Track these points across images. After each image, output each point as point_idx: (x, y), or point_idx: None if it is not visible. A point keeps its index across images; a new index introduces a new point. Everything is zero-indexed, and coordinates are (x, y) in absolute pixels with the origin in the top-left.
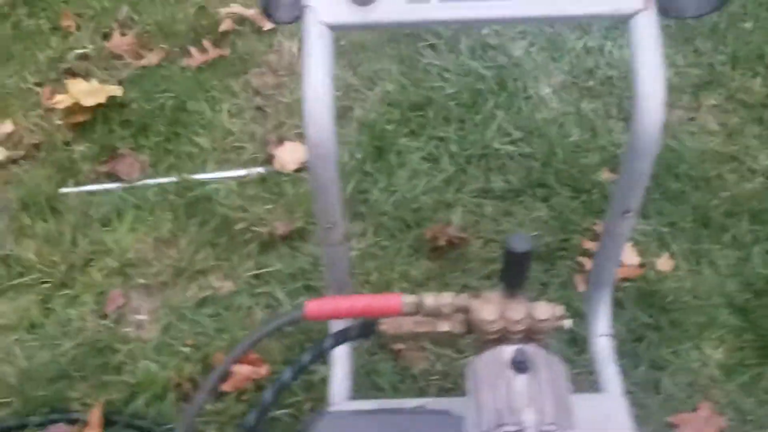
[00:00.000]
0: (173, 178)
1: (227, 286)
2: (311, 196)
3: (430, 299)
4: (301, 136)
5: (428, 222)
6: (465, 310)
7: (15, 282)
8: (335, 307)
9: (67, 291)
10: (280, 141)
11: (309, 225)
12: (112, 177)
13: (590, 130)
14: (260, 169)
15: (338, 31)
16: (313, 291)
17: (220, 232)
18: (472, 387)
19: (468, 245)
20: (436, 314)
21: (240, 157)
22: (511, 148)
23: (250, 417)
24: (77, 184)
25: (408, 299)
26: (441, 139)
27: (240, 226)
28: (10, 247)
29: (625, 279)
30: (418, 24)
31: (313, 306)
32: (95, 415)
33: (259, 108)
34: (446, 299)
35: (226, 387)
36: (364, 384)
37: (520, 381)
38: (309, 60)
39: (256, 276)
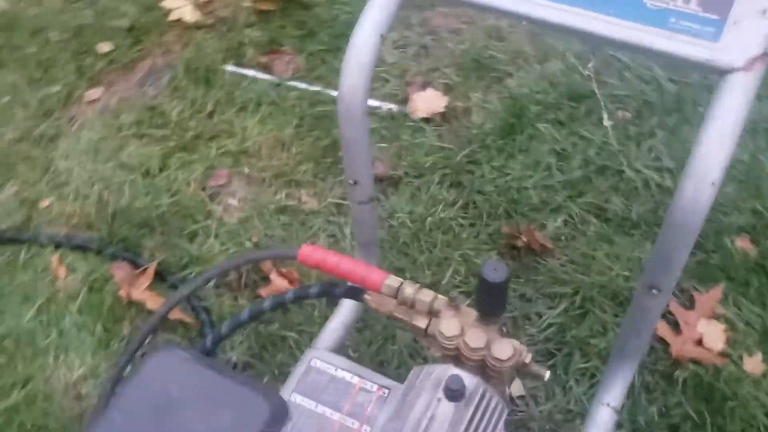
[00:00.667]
0: (316, 88)
1: (311, 203)
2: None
3: (409, 290)
4: (446, 87)
5: (521, 218)
6: (436, 315)
7: (151, 131)
8: (323, 259)
9: (185, 155)
10: (424, 86)
11: (406, 178)
12: (267, 69)
13: (754, 188)
14: (392, 106)
15: None
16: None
17: (327, 152)
18: (405, 389)
19: (548, 257)
20: (410, 306)
21: (380, 89)
22: (653, 175)
23: (207, 340)
24: (237, 65)
25: (390, 281)
26: (582, 138)
27: None
28: (161, 100)
29: (696, 360)
30: (496, 9)
31: (306, 250)
32: (152, 268)
33: (424, 47)
34: (425, 297)
35: (263, 292)
36: (378, 348)
37: (445, 407)
38: (366, 11)
39: (338, 205)
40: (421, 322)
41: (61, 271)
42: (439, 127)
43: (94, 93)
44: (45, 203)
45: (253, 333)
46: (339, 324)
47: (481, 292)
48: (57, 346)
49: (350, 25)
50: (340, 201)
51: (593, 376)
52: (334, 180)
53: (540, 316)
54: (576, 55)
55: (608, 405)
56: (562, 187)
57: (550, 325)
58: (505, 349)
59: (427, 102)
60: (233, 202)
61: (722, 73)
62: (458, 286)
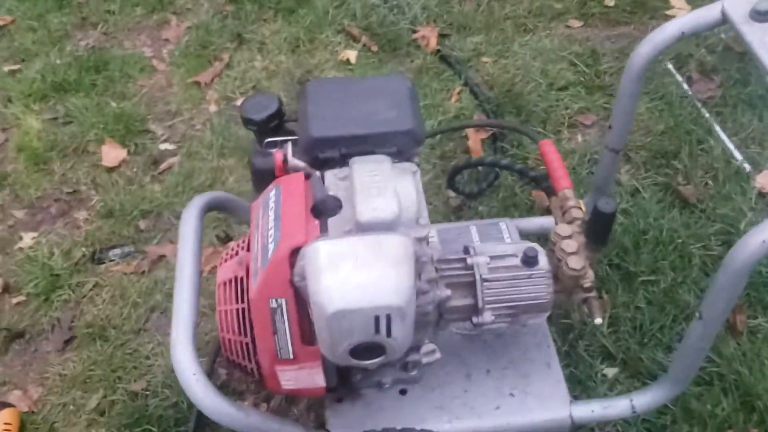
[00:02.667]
0: None
1: None
2: None
3: (571, 202)
4: None
5: None
6: (570, 222)
7: None
8: (551, 155)
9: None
10: None
11: None
12: None
13: None
14: None
15: None
16: None
17: None
18: None
19: None
20: (563, 212)
21: None
22: None
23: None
24: None
25: (567, 192)
26: None
27: None
28: None
29: None
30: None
31: (546, 143)
32: None
33: None
34: (575, 214)
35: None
36: None
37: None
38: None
39: None
40: (557, 226)
41: None
42: None
43: None
44: None
45: None
46: None
47: (593, 220)
48: None
49: None
50: None
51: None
52: None
53: None
54: None
55: (631, 401)
56: None
57: None
58: (578, 263)
59: None
60: None
61: None
62: None
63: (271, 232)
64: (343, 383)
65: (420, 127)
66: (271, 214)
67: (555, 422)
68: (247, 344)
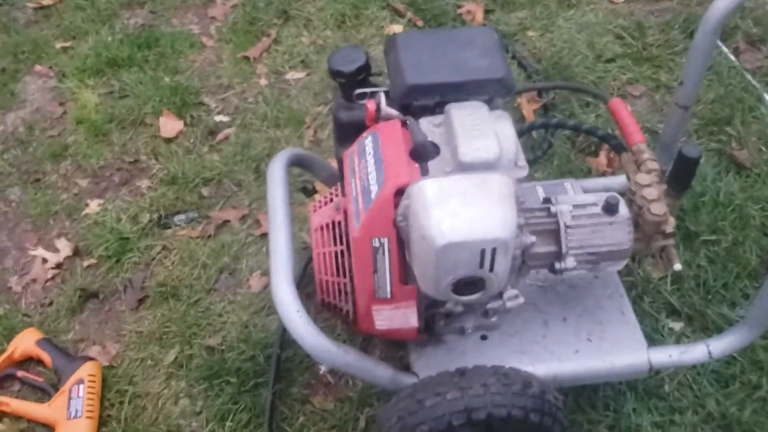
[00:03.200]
0: None
1: None
2: None
3: (646, 155)
4: None
5: None
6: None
7: None
8: (621, 112)
9: None
10: None
11: None
12: None
13: None
14: None
15: None
16: None
17: None
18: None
19: None
20: (639, 165)
21: None
22: None
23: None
24: None
25: (640, 147)
26: None
27: None
28: None
29: None
30: None
31: (615, 102)
32: None
33: None
34: (651, 165)
35: None
36: None
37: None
38: None
39: None
40: (635, 175)
41: None
42: None
43: None
44: None
45: None
46: None
47: (677, 165)
48: None
49: None
50: None
51: None
52: None
53: None
54: None
55: (707, 346)
56: None
57: None
58: (661, 209)
59: None
60: None
61: None
62: None
63: (372, 175)
64: (428, 330)
65: (511, 75)
66: (370, 158)
67: (634, 367)
68: (345, 285)
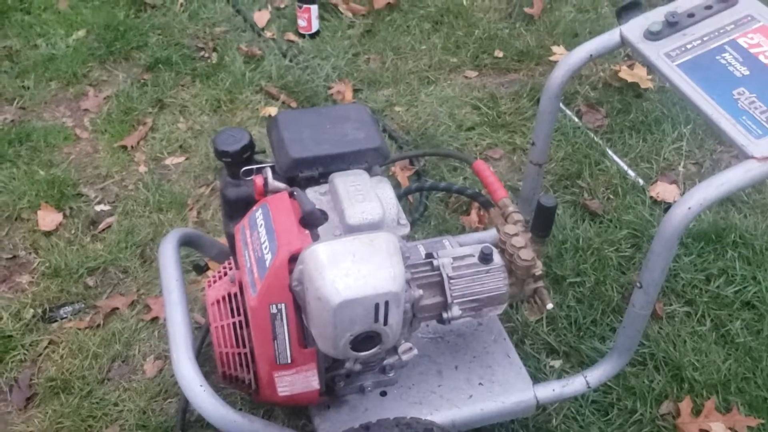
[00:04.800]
0: None
1: None
2: None
3: (511, 208)
4: None
5: None
6: (513, 223)
7: None
8: (485, 173)
9: None
10: None
11: None
12: None
13: None
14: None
15: None
16: None
17: None
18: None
19: None
20: (506, 218)
21: None
22: None
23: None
24: None
25: (506, 201)
26: None
27: None
28: None
29: None
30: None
31: (480, 164)
32: None
33: None
34: (516, 217)
35: None
36: None
37: (483, 268)
38: (586, 44)
39: None
40: (503, 227)
41: None
42: None
43: None
44: None
45: None
46: None
47: (537, 214)
48: None
49: None
50: None
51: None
52: None
53: None
54: None
55: (585, 377)
56: None
57: None
58: (529, 254)
59: None
60: None
61: (744, 156)
62: None
63: (266, 244)
64: (328, 393)
65: (385, 144)
66: (262, 230)
67: (523, 404)
68: (245, 355)
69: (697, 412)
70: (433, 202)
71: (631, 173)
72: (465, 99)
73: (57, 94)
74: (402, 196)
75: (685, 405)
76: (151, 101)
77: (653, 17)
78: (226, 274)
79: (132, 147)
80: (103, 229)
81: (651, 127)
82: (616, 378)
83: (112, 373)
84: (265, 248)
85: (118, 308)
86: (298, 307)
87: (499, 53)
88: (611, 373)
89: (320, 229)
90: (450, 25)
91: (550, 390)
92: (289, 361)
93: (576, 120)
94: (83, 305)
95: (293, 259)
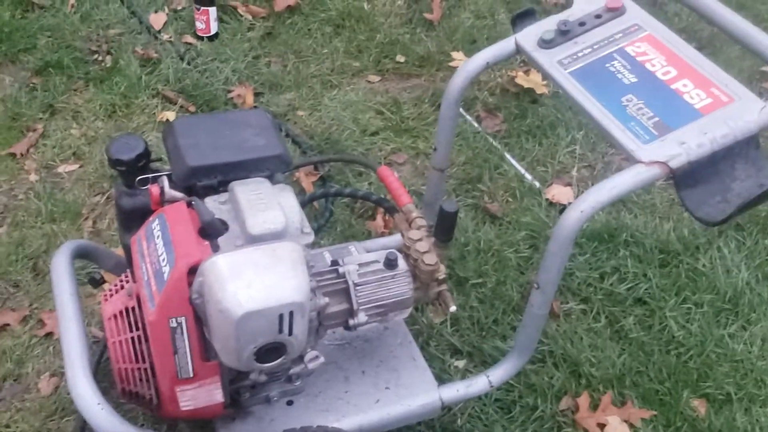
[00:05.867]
0: None
1: None
2: None
3: (415, 213)
4: None
5: None
6: (417, 229)
7: None
8: (390, 179)
9: None
10: None
11: None
12: None
13: None
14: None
15: None
16: None
17: None
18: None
19: None
20: (409, 223)
21: None
22: None
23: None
24: None
25: (409, 207)
26: None
27: None
28: None
29: None
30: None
31: (384, 169)
32: None
33: None
34: (420, 222)
35: None
36: None
37: (388, 274)
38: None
39: None
40: (407, 232)
41: None
42: None
43: None
44: None
45: None
46: None
47: (440, 219)
48: None
49: None
50: None
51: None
52: None
53: None
54: None
55: (488, 377)
56: None
57: None
58: (432, 258)
59: None
60: None
61: (632, 160)
62: None
63: (163, 256)
64: (233, 404)
65: (287, 151)
66: (159, 241)
67: (428, 405)
68: (145, 370)
69: (594, 406)
70: (339, 207)
71: (528, 176)
72: (368, 104)
73: None
74: (307, 202)
75: (583, 400)
76: (41, 106)
77: (546, 26)
78: (123, 287)
79: (21, 155)
80: None
81: (546, 131)
82: (518, 376)
83: (3, 393)
84: (163, 260)
85: (9, 324)
86: (199, 320)
87: (401, 58)
88: (512, 372)
89: (220, 240)
90: (351, 29)
91: (455, 391)
92: (191, 375)
93: (476, 125)
94: None
95: (192, 271)
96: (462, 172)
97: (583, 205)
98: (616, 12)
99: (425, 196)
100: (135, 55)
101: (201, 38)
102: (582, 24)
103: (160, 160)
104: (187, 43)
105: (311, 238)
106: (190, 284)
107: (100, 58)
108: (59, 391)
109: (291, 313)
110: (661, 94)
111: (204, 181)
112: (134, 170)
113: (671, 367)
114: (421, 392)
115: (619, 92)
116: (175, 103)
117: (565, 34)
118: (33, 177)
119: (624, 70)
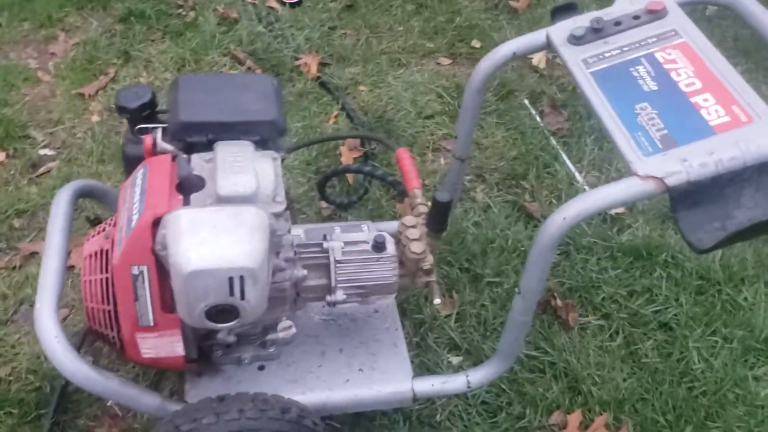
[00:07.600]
0: None
1: None
2: None
3: (419, 200)
4: None
5: None
6: (418, 216)
7: None
8: (405, 161)
9: None
10: None
11: None
12: None
13: None
14: None
15: None
16: None
17: None
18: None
19: None
20: (412, 209)
21: None
22: None
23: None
24: None
25: (416, 192)
26: None
27: None
28: None
29: None
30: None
31: (402, 151)
32: None
33: None
34: (421, 209)
35: None
36: None
37: (374, 256)
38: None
39: None
40: (409, 214)
41: None
42: None
43: None
44: None
45: None
46: None
47: (432, 208)
48: None
49: None
50: None
51: None
52: None
53: None
54: None
55: (467, 377)
56: None
57: None
58: (419, 247)
59: None
60: None
61: (630, 172)
62: None
63: (136, 205)
64: (204, 359)
65: (282, 118)
66: (137, 190)
67: (398, 395)
68: (109, 312)
69: (585, 426)
70: (375, 186)
71: (580, 179)
72: (431, 86)
73: (28, 35)
74: (327, 178)
75: (574, 417)
76: (117, 52)
77: (580, 21)
78: (104, 229)
79: (89, 96)
80: (42, 174)
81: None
82: (511, 382)
83: (18, 316)
84: (135, 209)
85: (37, 252)
86: (164, 271)
87: (476, 43)
88: (492, 376)
89: (193, 197)
90: (432, 9)
91: (429, 385)
92: (152, 323)
93: (538, 119)
94: (5, 245)
95: (158, 222)
96: (509, 167)
97: (567, 212)
98: (656, 15)
99: (445, 184)
100: (215, 14)
101: (284, 4)
102: (617, 23)
103: (167, 112)
104: (270, 7)
105: (282, 207)
106: (154, 235)
107: (183, 13)
108: (66, 323)
109: (242, 278)
110: (677, 106)
111: (195, 137)
112: (137, 118)
113: (679, 400)
114: (393, 380)
115: (636, 99)
116: (243, 64)
117: (597, 32)
118: (95, 118)
119: (647, 77)
